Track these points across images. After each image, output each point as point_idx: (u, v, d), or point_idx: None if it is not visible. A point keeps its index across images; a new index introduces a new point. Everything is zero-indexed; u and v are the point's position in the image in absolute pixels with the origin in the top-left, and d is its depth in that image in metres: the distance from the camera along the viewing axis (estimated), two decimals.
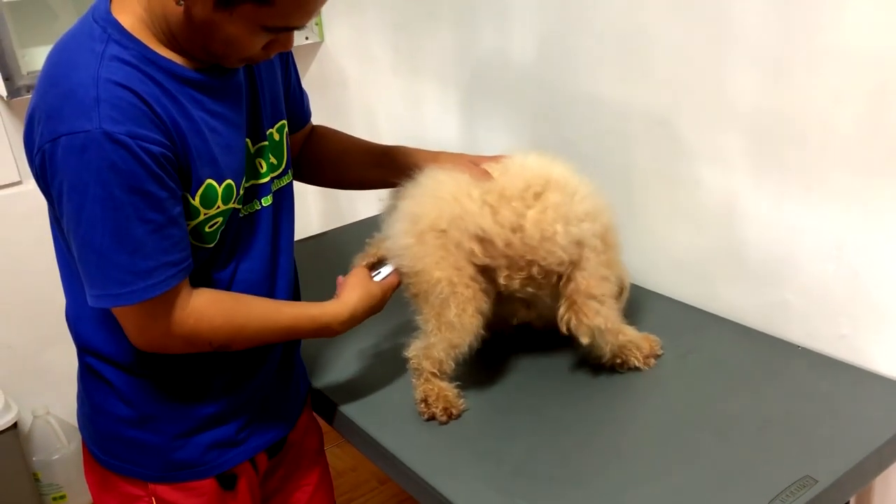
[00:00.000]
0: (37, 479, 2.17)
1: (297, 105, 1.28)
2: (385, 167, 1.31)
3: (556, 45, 1.60)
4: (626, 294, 1.30)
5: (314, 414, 1.36)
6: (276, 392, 1.22)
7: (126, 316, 0.99)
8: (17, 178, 2.07)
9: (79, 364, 1.16)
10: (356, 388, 1.30)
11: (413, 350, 1.21)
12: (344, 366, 1.37)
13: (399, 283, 1.20)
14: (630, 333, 1.26)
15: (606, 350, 1.22)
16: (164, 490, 1.13)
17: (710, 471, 1.04)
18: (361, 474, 2.38)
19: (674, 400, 1.20)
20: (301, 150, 1.34)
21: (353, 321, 1.14)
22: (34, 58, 2.01)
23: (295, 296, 1.25)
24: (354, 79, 2.30)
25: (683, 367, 1.28)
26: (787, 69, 1.23)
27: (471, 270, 1.16)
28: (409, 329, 1.25)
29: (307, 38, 2.34)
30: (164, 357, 1.08)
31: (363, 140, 1.39)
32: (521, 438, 1.14)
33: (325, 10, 2.29)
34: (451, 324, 1.16)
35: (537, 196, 1.17)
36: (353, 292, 1.15)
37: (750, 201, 1.35)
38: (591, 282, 1.18)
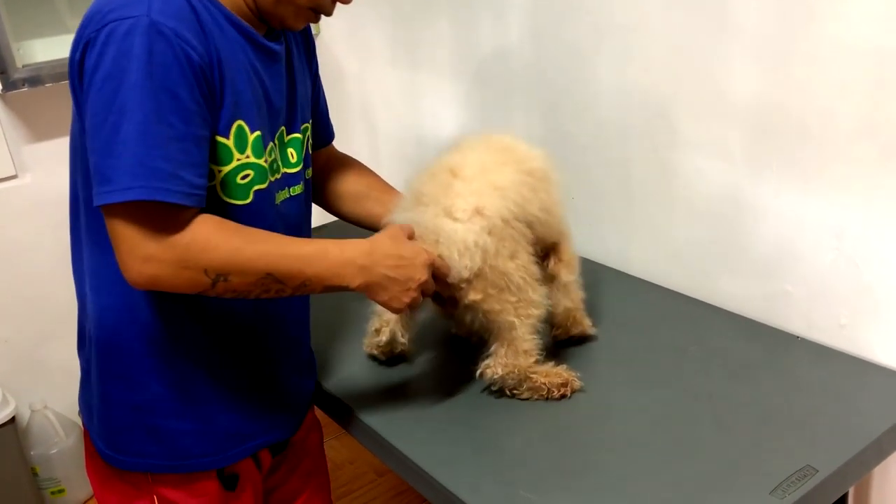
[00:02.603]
0: (35, 474, 2.17)
1: (322, 122, 1.31)
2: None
3: (554, 37, 1.60)
4: None
5: (315, 408, 1.36)
6: (289, 386, 1.22)
7: (124, 225, 0.92)
8: (12, 172, 2.06)
9: (86, 348, 1.14)
10: (357, 383, 1.30)
11: (499, 367, 1.16)
12: (345, 361, 1.37)
13: (444, 272, 1.09)
14: (580, 293, 1.31)
15: (570, 300, 1.28)
16: (166, 490, 1.13)
17: (712, 461, 1.04)
18: (360, 467, 2.38)
19: (674, 391, 1.20)
20: (324, 175, 1.34)
21: (372, 257, 1.02)
22: (29, 51, 2.00)
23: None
24: (351, 72, 2.29)
25: (683, 359, 1.28)
26: (787, 61, 1.23)
27: (530, 248, 1.16)
28: None
29: None
30: (183, 334, 1.07)
31: (386, 183, 1.37)
32: (522, 430, 1.14)
33: None
34: (534, 302, 1.14)
35: (548, 177, 1.20)
36: (381, 234, 1.07)
37: (749, 192, 1.35)
38: (567, 241, 1.27)
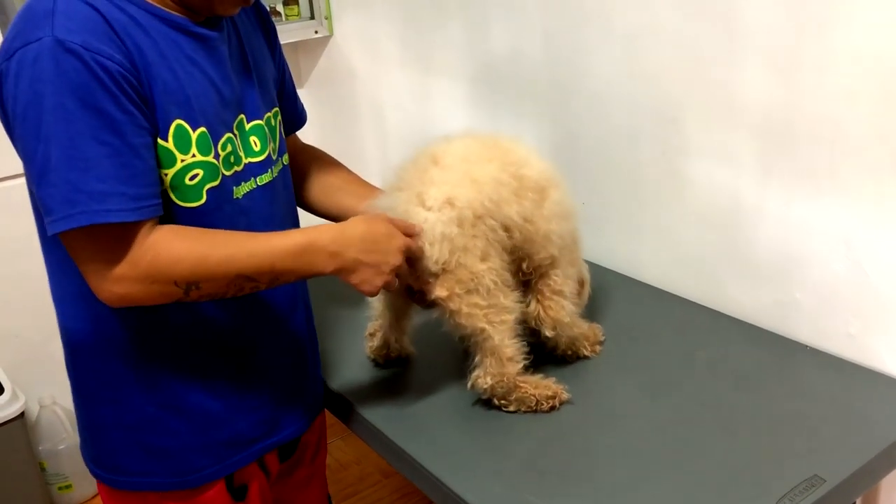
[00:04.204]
0: (43, 469, 2.18)
1: (288, 107, 1.27)
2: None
3: (565, 41, 1.60)
4: (587, 288, 1.32)
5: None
6: (288, 384, 1.20)
7: (82, 251, 0.92)
8: (21, 169, 2.06)
9: (74, 379, 1.12)
10: (364, 384, 1.30)
11: (488, 377, 1.13)
12: (352, 361, 1.37)
13: (418, 256, 1.07)
14: (582, 326, 1.29)
15: (562, 342, 1.26)
16: None
17: (719, 469, 1.04)
18: (365, 467, 2.38)
19: (681, 398, 1.20)
20: (294, 165, 1.29)
21: (343, 242, 1.00)
22: None
23: (302, 291, 1.23)
24: (363, 73, 2.30)
25: (691, 366, 1.28)
26: (798, 67, 1.23)
27: (504, 255, 1.13)
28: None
29: (316, 32, 2.34)
30: (160, 348, 1.05)
31: (354, 173, 1.35)
32: (529, 435, 1.14)
33: (334, 4, 2.31)
34: (506, 308, 1.12)
35: (544, 191, 1.17)
36: (356, 218, 1.05)
37: (759, 199, 1.35)
38: (560, 280, 1.21)
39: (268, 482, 1.21)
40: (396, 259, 1.03)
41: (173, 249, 0.93)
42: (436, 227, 1.07)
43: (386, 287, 1.05)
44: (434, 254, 1.07)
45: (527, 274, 1.20)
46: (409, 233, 1.07)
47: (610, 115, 1.56)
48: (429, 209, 1.09)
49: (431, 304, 1.13)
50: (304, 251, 0.98)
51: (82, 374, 1.10)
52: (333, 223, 1.04)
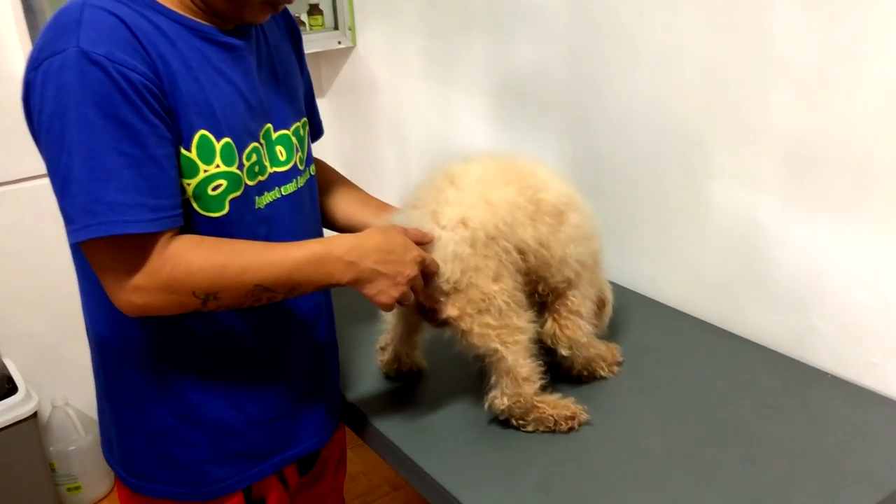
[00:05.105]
0: (53, 469, 2.18)
1: (308, 116, 1.26)
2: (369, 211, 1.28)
3: (590, 60, 1.60)
4: (608, 308, 1.31)
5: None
6: (306, 397, 1.19)
7: (101, 260, 0.93)
8: (44, 170, 2.08)
9: (99, 381, 1.13)
10: (380, 397, 1.30)
11: (504, 397, 1.13)
12: (369, 375, 1.36)
13: (433, 269, 1.07)
14: (599, 346, 1.29)
15: (578, 361, 1.25)
16: None
17: (736, 496, 1.03)
18: (374, 479, 2.37)
19: (699, 423, 1.18)
20: None
21: (359, 252, 1.00)
22: None
23: (325, 302, 1.23)
24: (385, 84, 2.30)
25: (711, 391, 1.26)
26: (827, 94, 1.22)
27: (518, 276, 1.13)
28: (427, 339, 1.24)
29: (340, 43, 2.35)
30: (180, 359, 1.05)
31: (352, 183, 1.36)
32: (545, 454, 1.13)
33: (358, 15, 2.32)
34: (520, 328, 1.12)
35: (562, 215, 1.16)
36: (372, 229, 1.06)
37: (782, 225, 1.33)
38: (578, 300, 1.20)
39: (287, 495, 1.21)
40: (412, 270, 1.03)
41: (192, 260, 0.93)
42: (448, 246, 1.08)
43: (402, 299, 1.04)
44: (446, 272, 1.08)
45: (543, 296, 1.20)
46: (423, 241, 1.07)
47: (633, 135, 1.55)
48: (443, 228, 1.10)
49: (443, 324, 1.13)
50: (320, 260, 0.99)
51: (107, 377, 1.10)
52: (350, 234, 1.05)
